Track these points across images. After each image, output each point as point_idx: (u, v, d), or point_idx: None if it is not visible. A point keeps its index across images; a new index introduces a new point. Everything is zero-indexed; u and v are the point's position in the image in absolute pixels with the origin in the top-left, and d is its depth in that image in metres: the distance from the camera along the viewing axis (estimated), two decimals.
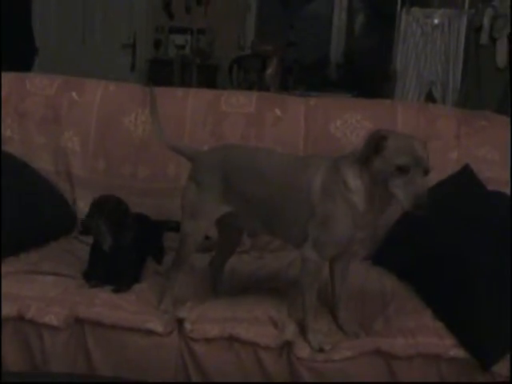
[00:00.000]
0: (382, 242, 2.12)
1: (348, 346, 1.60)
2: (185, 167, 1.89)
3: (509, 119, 2.27)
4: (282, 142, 2.20)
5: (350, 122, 2.23)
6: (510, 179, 2.09)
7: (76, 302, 1.69)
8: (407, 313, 1.71)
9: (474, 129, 2.25)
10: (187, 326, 1.63)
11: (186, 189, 1.75)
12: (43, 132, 2.32)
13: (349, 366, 1.58)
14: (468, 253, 1.70)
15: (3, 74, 2.37)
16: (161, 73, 5.12)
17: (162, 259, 2.04)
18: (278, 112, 2.28)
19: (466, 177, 2.12)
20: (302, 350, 1.59)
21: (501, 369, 1.56)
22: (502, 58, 4.28)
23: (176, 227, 1.88)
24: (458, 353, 1.58)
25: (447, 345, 1.59)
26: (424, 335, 1.61)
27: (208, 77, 5.13)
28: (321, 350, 1.58)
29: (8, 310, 1.66)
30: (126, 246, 1.83)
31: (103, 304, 1.69)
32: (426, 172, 1.45)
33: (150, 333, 1.63)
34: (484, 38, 4.32)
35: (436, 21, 4.48)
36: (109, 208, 1.80)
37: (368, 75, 4.97)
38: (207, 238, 1.91)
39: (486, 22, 4.28)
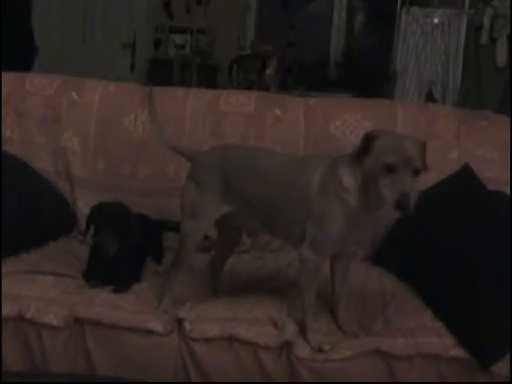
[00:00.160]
0: (381, 242, 2.12)
1: (348, 346, 1.60)
2: (185, 167, 1.89)
3: (509, 119, 2.27)
4: (281, 141, 2.20)
5: (349, 121, 2.23)
6: (509, 179, 2.09)
7: (76, 301, 1.69)
8: (407, 313, 1.71)
9: (474, 129, 2.25)
10: (187, 325, 1.63)
11: (185, 189, 1.75)
12: (43, 132, 2.31)
13: (348, 366, 1.57)
14: (468, 253, 1.70)
15: (3, 74, 2.36)
16: (161, 73, 5.13)
17: (162, 259, 2.04)
18: (277, 112, 2.28)
19: (465, 177, 2.12)
20: (302, 350, 1.59)
21: (500, 369, 1.56)
22: (501, 58, 4.29)
23: (176, 227, 1.87)
24: (458, 353, 1.58)
25: (447, 345, 1.59)
26: (424, 335, 1.61)
27: (208, 77, 5.13)
28: (320, 350, 1.58)
29: (8, 309, 1.65)
30: (127, 248, 1.83)
31: (103, 304, 1.69)
32: (416, 172, 1.45)
33: (149, 333, 1.63)
34: (484, 38, 4.33)
35: (436, 20, 4.48)
36: (115, 219, 1.80)
37: (368, 75, 4.97)
38: (207, 237, 1.91)
39: (485, 21, 4.29)
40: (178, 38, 5.40)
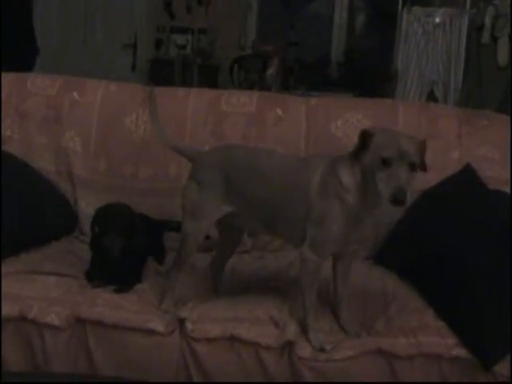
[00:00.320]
0: (383, 242, 2.12)
1: (349, 346, 1.60)
2: (186, 167, 1.89)
3: (509, 118, 2.27)
4: (283, 141, 2.20)
5: (351, 121, 2.23)
6: (510, 178, 2.09)
7: (78, 301, 1.69)
8: (409, 312, 1.71)
9: (475, 128, 2.25)
10: (188, 325, 1.63)
11: (186, 189, 1.75)
12: (44, 132, 2.32)
13: (350, 366, 1.57)
14: (469, 252, 1.70)
15: (4, 75, 2.37)
16: (162, 73, 5.12)
17: (163, 259, 2.04)
18: (279, 112, 2.27)
19: (467, 176, 2.11)
20: (304, 350, 1.59)
21: (502, 369, 1.56)
22: (503, 57, 4.28)
23: (177, 227, 1.87)
24: (460, 352, 1.57)
25: (449, 344, 1.59)
26: (426, 335, 1.61)
27: (209, 77, 5.13)
28: (322, 350, 1.58)
29: (10, 310, 1.66)
30: (130, 249, 1.83)
31: (105, 304, 1.69)
32: (412, 167, 1.45)
33: (151, 333, 1.63)
34: (485, 37, 4.32)
35: (437, 20, 4.48)
36: (120, 221, 1.80)
37: (369, 75, 4.96)
38: (208, 237, 1.91)
39: (487, 21, 4.28)
40: (179, 38, 5.40)
